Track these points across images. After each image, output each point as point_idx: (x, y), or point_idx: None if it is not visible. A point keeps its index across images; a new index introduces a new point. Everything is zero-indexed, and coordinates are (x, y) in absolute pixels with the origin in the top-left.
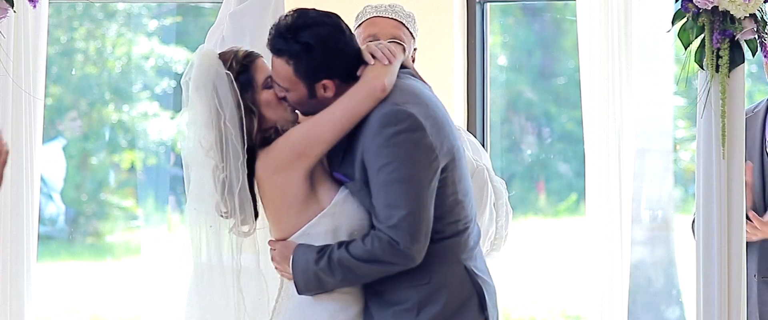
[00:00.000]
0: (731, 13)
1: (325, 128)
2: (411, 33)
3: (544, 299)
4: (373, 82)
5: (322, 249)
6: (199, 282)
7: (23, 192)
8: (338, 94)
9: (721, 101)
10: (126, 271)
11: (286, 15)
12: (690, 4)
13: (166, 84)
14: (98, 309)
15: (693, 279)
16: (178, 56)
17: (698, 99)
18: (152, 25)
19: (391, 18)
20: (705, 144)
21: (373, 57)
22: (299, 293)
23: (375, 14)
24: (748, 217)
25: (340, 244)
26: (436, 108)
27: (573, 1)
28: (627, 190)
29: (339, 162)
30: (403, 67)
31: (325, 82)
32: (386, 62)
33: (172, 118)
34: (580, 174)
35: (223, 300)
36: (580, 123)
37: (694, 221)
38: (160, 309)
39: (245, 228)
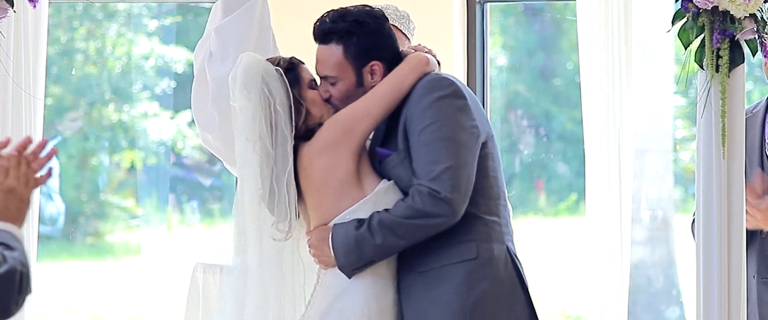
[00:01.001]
0: (731, 13)
1: (371, 102)
2: (405, 34)
3: (544, 299)
4: (416, 58)
5: (362, 219)
6: (236, 283)
7: None
8: None
9: (721, 101)
10: (126, 271)
11: (325, 13)
12: (690, 4)
13: (166, 84)
14: (98, 309)
15: (693, 279)
16: (178, 56)
17: (698, 99)
18: (152, 25)
19: None
20: (705, 144)
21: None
22: (340, 268)
23: None
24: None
25: (379, 211)
26: (473, 95)
27: (573, 1)
28: (627, 190)
29: (381, 139)
30: None
31: (374, 64)
32: (426, 51)
33: (172, 118)
34: (580, 174)
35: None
36: (580, 123)
37: (693, 221)
38: (160, 309)
39: (283, 227)
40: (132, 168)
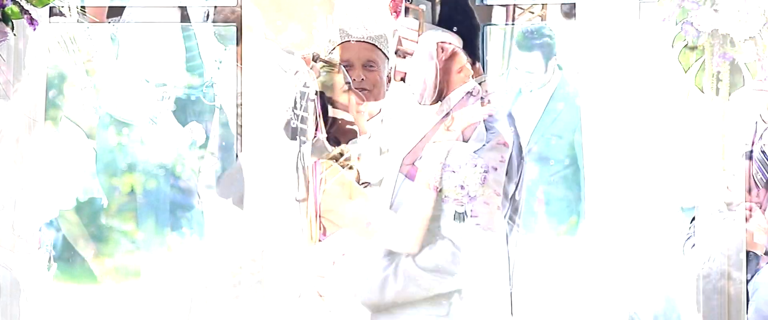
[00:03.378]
0: (731, 36)
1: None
2: (385, 54)
3: None
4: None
5: None
6: None
7: None
8: None
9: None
10: (125, 295)
11: None
12: (690, 27)
13: (165, 107)
14: None
15: (694, 303)
16: (178, 80)
17: None
18: None
19: (365, 41)
20: None
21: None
22: None
23: (348, 38)
24: None
25: None
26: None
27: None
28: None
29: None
30: None
31: None
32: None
33: (171, 141)
34: (580, 197)
35: None
36: (581, 147)
37: (687, 238)
38: None
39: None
40: (131, 191)
